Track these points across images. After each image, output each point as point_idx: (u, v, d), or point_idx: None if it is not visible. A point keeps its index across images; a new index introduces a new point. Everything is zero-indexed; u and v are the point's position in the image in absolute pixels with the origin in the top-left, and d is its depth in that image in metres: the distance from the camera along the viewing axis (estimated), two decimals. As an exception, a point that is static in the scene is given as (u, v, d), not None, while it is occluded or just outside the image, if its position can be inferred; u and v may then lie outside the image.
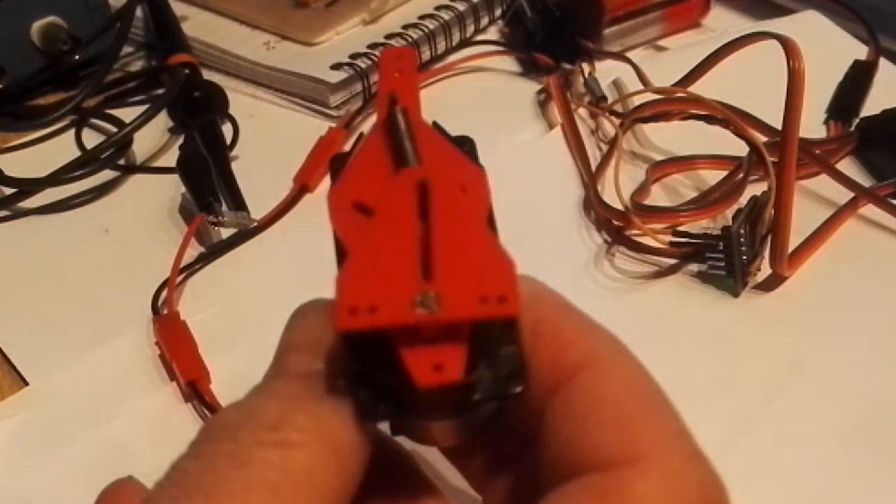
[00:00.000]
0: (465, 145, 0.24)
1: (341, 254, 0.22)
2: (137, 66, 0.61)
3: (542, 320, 0.22)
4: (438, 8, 0.59)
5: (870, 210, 0.44)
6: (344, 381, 0.21)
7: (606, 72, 0.54)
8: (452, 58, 0.59)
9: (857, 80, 0.53)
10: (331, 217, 0.22)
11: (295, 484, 0.19)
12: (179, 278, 0.43)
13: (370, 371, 0.20)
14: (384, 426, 0.21)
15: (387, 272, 0.20)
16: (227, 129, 0.54)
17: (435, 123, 0.25)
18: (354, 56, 0.56)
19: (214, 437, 0.20)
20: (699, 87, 0.47)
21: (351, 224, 0.21)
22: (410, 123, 0.23)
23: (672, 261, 0.42)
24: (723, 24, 0.59)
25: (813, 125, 0.50)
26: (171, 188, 0.49)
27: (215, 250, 0.45)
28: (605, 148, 0.49)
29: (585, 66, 0.54)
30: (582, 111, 0.52)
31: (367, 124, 0.53)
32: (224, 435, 0.20)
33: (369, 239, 0.21)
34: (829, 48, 0.55)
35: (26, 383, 0.40)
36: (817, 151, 0.46)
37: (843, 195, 0.44)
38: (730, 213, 0.42)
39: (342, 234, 0.22)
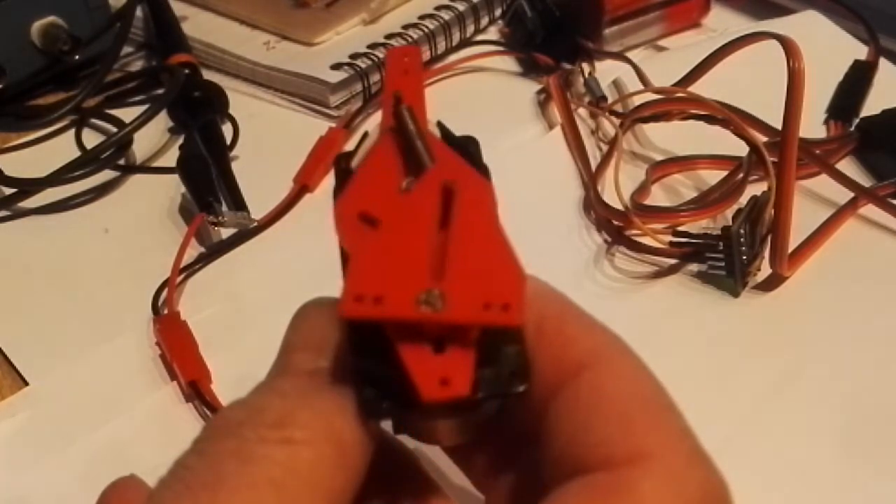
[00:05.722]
0: (470, 145, 0.24)
1: (347, 264, 0.22)
2: (137, 66, 0.61)
3: (545, 319, 0.22)
4: (438, 8, 0.59)
5: (870, 210, 0.44)
6: (347, 379, 0.21)
7: (606, 72, 0.54)
8: (452, 58, 0.59)
9: (857, 80, 0.53)
10: (337, 229, 0.22)
11: (298, 481, 0.19)
12: (179, 278, 0.43)
13: (373, 369, 0.20)
14: (387, 424, 0.21)
15: (398, 267, 0.20)
16: (227, 129, 0.54)
17: (439, 123, 0.25)
18: (354, 56, 0.56)
19: (218, 434, 0.20)
20: (699, 87, 0.47)
21: (358, 236, 0.21)
22: (417, 121, 0.23)
23: (672, 261, 0.42)
24: (723, 24, 0.59)
25: (813, 125, 0.50)
26: (171, 188, 0.49)
27: (215, 250, 0.45)
28: (605, 148, 0.49)
29: (585, 66, 0.54)
30: (582, 111, 0.52)
31: (367, 124, 0.53)
32: (228, 432, 0.20)
33: (386, 235, 0.21)
34: (829, 48, 0.55)
35: (26, 383, 0.39)
36: (817, 151, 0.46)
37: (843, 195, 0.44)
38: (730, 213, 0.42)
39: (349, 246, 0.21)
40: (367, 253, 0.21)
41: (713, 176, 0.46)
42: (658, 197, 0.46)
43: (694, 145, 0.47)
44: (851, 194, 0.44)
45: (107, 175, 0.51)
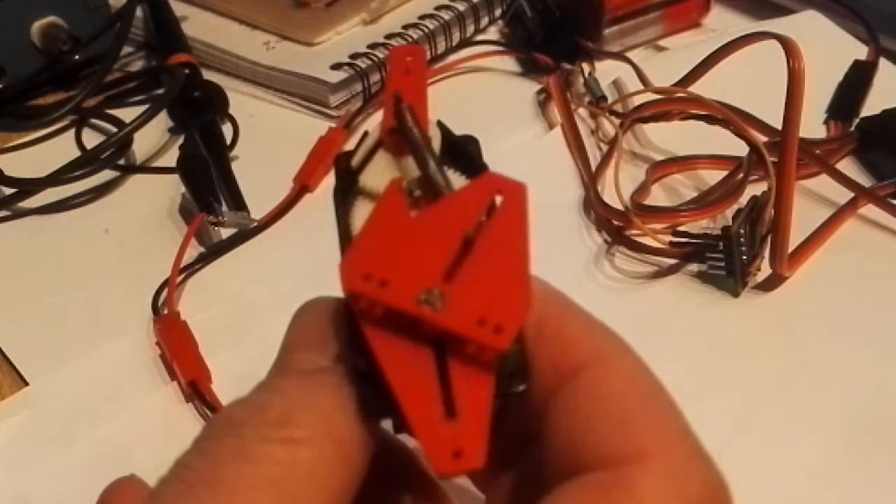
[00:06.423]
0: (470, 144, 0.24)
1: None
2: (137, 66, 0.61)
3: (546, 319, 0.22)
4: (438, 8, 0.59)
5: (870, 210, 0.44)
6: (348, 379, 0.21)
7: (606, 72, 0.54)
8: (452, 58, 0.59)
9: (857, 80, 0.53)
10: (343, 286, 0.21)
11: (299, 480, 0.19)
12: (179, 278, 0.43)
13: (374, 368, 0.20)
14: (387, 423, 0.21)
15: (415, 261, 0.20)
16: (227, 129, 0.54)
17: (439, 123, 0.25)
18: (354, 56, 0.56)
19: (219, 433, 0.20)
20: (699, 87, 0.47)
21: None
22: (418, 121, 0.23)
23: (672, 261, 0.42)
24: (723, 24, 0.59)
25: (813, 125, 0.50)
26: (171, 188, 0.49)
27: (215, 250, 0.45)
28: (605, 148, 0.49)
29: (585, 66, 0.54)
30: (582, 111, 0.52)
31: (367, 124, 0.53)
32: (229, 431, 0.20)
33: (411, 226, 0.21)
34: (829, 48, 0.55)
35: (26, 383, 0.39)
36: (817, 151, 0.46)
37: (843, 195, 0.44)
38: (730, 213, 0.42)
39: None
40: (390, 236, 0.21)
41: (713, 176, 0.46)
42: (658, 197, 0.46)
43: (694, 145, 0.47)
44: (851, 194, 0.44)
45: (107, 175, 0.51)
